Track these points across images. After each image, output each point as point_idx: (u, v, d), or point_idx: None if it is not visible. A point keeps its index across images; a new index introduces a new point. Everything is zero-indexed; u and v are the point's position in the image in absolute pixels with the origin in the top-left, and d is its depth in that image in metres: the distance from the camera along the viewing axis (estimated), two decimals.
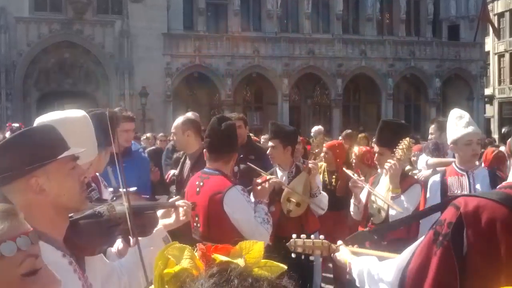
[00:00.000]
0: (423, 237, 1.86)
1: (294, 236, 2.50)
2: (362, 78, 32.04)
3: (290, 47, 30.02)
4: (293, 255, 2.42)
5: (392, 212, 3.70)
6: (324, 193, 4.51)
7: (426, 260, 1.74)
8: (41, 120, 2.20)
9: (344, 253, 2.36)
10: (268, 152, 4.61)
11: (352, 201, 4.20)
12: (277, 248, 4.04)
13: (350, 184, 4.13)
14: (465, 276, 1.66)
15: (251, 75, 30.04)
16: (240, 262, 0.96)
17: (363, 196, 4.16)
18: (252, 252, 1.00)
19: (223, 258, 0.97)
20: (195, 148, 4.46)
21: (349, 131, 9.57)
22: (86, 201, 1.83)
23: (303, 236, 2.51)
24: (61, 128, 2.01)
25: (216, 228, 3.37)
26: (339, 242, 2.44)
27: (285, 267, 1.00)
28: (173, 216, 2.39)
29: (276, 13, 30.29)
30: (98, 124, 2.38)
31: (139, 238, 1.99)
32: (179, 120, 4.57)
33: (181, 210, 2.38)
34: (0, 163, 1.58)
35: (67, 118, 2.27)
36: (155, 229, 2.17)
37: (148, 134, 12.32)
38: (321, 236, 2.52)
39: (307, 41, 30.48)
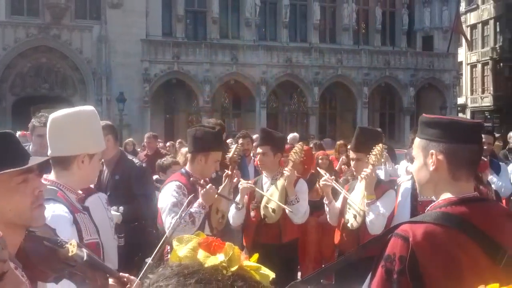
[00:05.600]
0: (369, 279, 1.73)
1: None
2: (338, 87, 32.50)
3: (268, 55, 30.31)
4: None
5: (369, 217, 3.83)
6: (303, 203, 4.37)
7: None
8: (54, 115, 2.31)
9: None
10: (257, 159, 4.53)
11: (324, 201, 4.25)
12: (255, 252, 4.22)
13: (321, 182, 4.19)
14: None
15: (230, 82, 30.23)
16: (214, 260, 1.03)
17: (338, 202, 4.25)
18: (232, 255, 1.04)
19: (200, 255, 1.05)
20: (112, 153, 4.44)
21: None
22: (40, 218, 1.68)
23: None
24: (75, 122, 2.23)
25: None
26: None
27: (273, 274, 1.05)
28: None
29: (255, 21, 30.56)
30: None
31: None
32: None
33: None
34: None
35: (79, 112, 2.39)
36: None
37: (127, 140, 12.39)
38: None
39: (285, 50, 30.81)
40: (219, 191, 3.76)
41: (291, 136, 11.68)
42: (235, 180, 4.07)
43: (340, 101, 34.17)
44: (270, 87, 30.52)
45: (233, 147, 4.34)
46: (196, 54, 28.90)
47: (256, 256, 1.11)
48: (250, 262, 1.05)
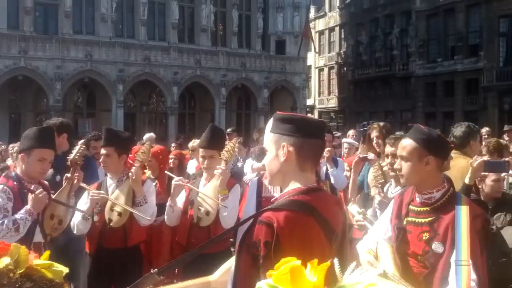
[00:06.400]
0: (233, 269, 1.81)
1: None
2: (197, 87, 32.89)
3: (125, 52, 29.60)
4: None
5: (224, 213, 3.97)
6: (152, 203, 4.22)
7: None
8: None
9: None
10: (101, 160, 4.24)
11: (168, 203, 4.19)
12: (99, 258, 4.10)
13: (173, 182, 4.13)
14: None
15: (83, 79, 28.93)
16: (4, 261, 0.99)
17: (179, 201, 4.24)
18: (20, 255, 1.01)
19: None
20: None
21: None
22: None
23: None
24: None
25: None
26: None
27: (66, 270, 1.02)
28: None
29: (111, 17, 29.63)
30: None
31: None
32: None
33: None
34: None
35: None
36: None
37: None
38: None
39: (143, 48, 30.34)
40: (55, 195, 3.62)
41: (147, 136, 11.61)
42: (75, 182, 3.91)
43: (199, 101, 34.61)
44: (127, 86, 29.82)
45: (76, 148, 4.17)
46: (46, 49, 27.20)
47: (47, 253, 1.09)
48: (41, 261, 1.02)
